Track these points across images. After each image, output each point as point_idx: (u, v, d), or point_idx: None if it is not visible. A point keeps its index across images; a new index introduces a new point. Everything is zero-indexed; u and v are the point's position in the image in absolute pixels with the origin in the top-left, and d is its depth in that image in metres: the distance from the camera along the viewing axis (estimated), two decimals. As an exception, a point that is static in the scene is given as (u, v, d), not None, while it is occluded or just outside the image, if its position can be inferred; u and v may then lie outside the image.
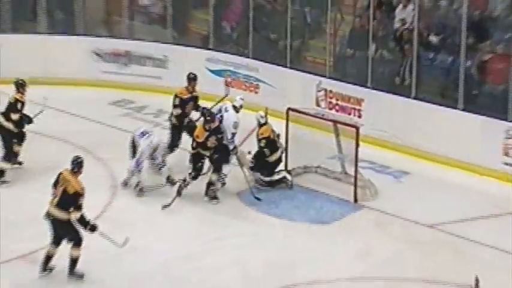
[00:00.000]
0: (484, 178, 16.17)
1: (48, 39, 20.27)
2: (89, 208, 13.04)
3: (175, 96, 16.12)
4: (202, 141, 14.64)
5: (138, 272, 13.09)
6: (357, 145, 15.20)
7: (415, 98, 16.87)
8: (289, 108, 15.96)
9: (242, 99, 15.67)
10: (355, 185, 15.25)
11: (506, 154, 15.89)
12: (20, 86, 15.72)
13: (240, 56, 19.35)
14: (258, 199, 15.24)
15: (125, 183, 15.47)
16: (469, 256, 13.72)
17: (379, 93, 17.22)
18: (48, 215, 12.23)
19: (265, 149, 15.50)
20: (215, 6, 19.62)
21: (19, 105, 15.60)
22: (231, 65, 19.21)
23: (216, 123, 14.77)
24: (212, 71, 19.29)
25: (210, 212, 14.91)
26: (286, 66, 18.68)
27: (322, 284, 13.07)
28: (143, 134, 15.49)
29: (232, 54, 19.43)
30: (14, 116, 15.49)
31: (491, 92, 16.53)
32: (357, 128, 15.20)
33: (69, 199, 12.21)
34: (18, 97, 15.65)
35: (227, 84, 17.08)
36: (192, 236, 14.44)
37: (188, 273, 13.30)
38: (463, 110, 16.30)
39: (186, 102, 15.98)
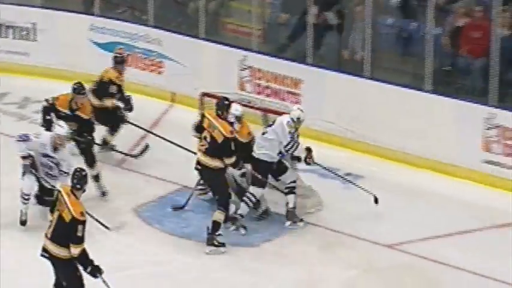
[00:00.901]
0: (460, 181, 16.91)
1: None
2: None
3: (110, 81, 16.63)
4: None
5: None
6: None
7: (369, 78, 17.52)
8: (203, 93, 16.52)
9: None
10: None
11: (487, 149, 16.55)
12: None
13: (137, 23, 19.54)
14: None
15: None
16: (440, 284, 14.44)
17: (322, 72, 17.83)
18: (44, 251, 12.32)
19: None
20: None
21: None
22: (125, 36, 19.62)
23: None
24: (99, 45, 19.64)
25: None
26: (199, 37, 19.17)
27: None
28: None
29: (126, 21, 19.65)
30: None
31: (467, 68, 17.10)
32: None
33: (65, 229, 12.13)
34: None
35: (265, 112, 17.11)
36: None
37: None
38: (432, 92, 16.81)
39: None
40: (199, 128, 15.59)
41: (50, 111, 16.60)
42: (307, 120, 16.44)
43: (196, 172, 15.43)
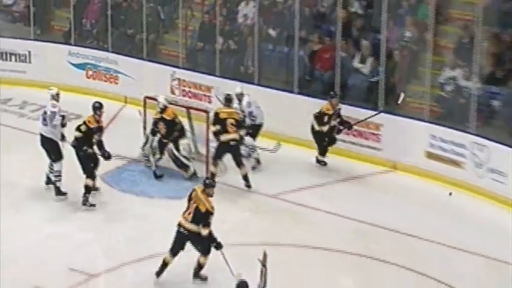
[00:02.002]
0: (313, 151, 16.78)
1: None
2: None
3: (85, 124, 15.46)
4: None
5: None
6: (207, 127, 15.88)
7: (257, 85, 17.63)
8: (146, 97, 16.65)
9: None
10: (207, 163, 16.04)
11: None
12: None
13: (100, 50, 19.75)
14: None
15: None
16: (306, 220, 14.59)
17: (226, 81, 17.71)
18: (180, 226, 12.55)
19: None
20: (75, 4, 20.09)
21: None
22: (92, 59, 19.80)
23: None
24: (74, 65, 19.76)
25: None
26: (143, 59, 19.28)
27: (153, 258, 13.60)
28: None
29: (93, 48, 19.88)
30: None
31: (320, 77, 17.48)
32: (207, 112, 16.13)
33: (201, 216, 12.45)
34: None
35: None
36: (59, 217, 14.89)
37: (56, 251, 13.67)
38: (298, 93, 17.37)
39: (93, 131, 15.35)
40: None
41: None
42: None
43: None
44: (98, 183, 15.46)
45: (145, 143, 16.31)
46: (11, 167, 16.21)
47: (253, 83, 17.74)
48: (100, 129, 15.15)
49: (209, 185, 12.67)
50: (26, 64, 20.10)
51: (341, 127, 16.22)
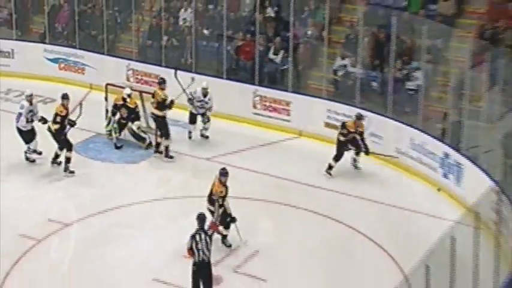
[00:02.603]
0: (240, 124, 17.07)
1: None
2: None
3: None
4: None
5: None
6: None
7: (195, 73, 17.53)
8: (107, 84, 16.88)
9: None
10: (156, 134, 15.94)
11: (255, 106, 17.26)
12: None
13: (70, 47, 19.54)
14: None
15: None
16: (235, 178, 13.74)
17: (169, 70, 17.09)
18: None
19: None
20: (49, 12, 19.90)
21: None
22: (63, 55, 19.59)
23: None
24: (49, 59, 19.62)
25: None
26: (104, 54, 19.14)
27: (135, 205, 13.87)
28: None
29: (64, 46, 19.65)
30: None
31: (244, 66, 17.80)
32: (154, 94, 15.92)
33: (213, 198, 12.26)
34: None
35: None
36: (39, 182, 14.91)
37: (38, 207, 13.88)
38: (226, 79, 17.58)
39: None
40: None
41: None
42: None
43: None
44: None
45: (108, 122, 16.31)
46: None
47: (191, 71, 17.74)
48: (67, 115, 15.17)
49: (222, 173, 12.39)
50: (9, 59, 19.74)
51: (351, 147, 15.03)
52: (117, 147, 16.19)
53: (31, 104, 15.16)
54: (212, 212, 12.27)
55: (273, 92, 17.14)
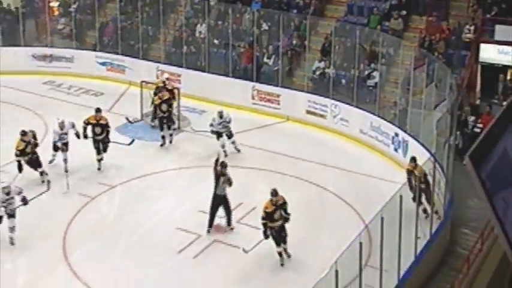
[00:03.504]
0: (242, 112, 16.57)
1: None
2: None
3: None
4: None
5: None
6: (179, 98, 15.94)
7: (208, 72, 17.46)
8: (142, 81, 16.76)
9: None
10: (178, 119, 15.90)
11: (253, 98, 16.94)
12: None
13: (114, 54, 19.14)
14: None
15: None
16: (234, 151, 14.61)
17: (188, 71, 17.60)
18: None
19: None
20: (99, 27, 19.62)
21: None
22: (109, 59, 19.13)
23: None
24: (99, 63, 19.19)
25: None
26: (139, 58, 18.73)
27: (162, 173, 13.88)
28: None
29: (110, 53, 19.23)
30: None
31: (245, 68, 17.34)
32: (178, 89, 16.13)
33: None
34: None
35: None
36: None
37: (86, 172, 13.60)
38: (232, 77, 17.24)
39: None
40: None
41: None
42: (185, 90, 16.42)
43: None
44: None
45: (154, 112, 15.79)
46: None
47: (204, 71, 17.71)
48: (99, 125, 14.07)
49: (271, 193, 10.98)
50: (70, 63, 19.41)
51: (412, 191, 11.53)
52: (152, 127, 15.86)
53: (61, 129, 13.64)
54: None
55: (266, 87, 17.08)
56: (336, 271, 8.29)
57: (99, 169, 14.05)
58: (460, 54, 16.09)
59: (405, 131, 14.26)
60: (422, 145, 13.37)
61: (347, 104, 15.78)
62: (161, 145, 15.20)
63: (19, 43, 19.82)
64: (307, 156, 14.74)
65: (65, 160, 13.82)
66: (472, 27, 16.03)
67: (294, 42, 17.50)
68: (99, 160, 14.18)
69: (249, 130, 15.97)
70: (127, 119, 15.85)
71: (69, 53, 19.70)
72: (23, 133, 13.41)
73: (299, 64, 17.49)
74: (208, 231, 11.79)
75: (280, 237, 11.06)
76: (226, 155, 14.31)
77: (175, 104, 15.92)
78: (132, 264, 11.05)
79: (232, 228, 11.94)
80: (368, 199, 12.78)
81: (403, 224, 9.84)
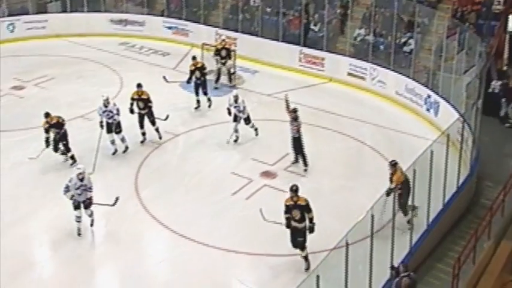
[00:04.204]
0: (290, 72, 16.43)
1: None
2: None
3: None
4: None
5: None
6: (235, 58, 15.74)
7: (260, 37, 17.19)
8: (203, 43, 16.61)
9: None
10: (234, 77, 15.77)
11: (300, 61, 16.61)
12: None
13: (179, 19, 18.74)
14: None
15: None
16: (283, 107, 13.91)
17: (243, 35, 17.35)
18: None
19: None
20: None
21: None
22: (175, 24, 18.84)
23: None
24: (166, 27, 18.98)
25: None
26: (201, 23, 18.46)
27: (219, 124, 13.53)
28: None
29: (176, 18, 18.87)
30: None
31: (293, 33, 16.93)
32: (234, 51, 15.84)
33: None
34: None
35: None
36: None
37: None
38: (282, 41, 16.91)
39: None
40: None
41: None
42: (241, 52, 16.18)
43: None
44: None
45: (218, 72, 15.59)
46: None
47: (257, 36, 17.45)
48: (141, 100, 12.73)
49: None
50: (142, 27, 19.28)
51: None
52: (216, 88, 15.47)
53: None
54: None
55: (312, 51, 16.64)
56: (372, 216, 8.14)
57: (142, 142, 12.86)
58: (489, 24, 15.37)
59: (437, 93, 13.78)
60: (452, 106, 12.92)
61: (385, 67, 15.32)
62: (195, 108, 14.37)
63: (100, 9, 19.71)
64: (346, 113, 14.41)
65: (122, 139, 12.55)
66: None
67: (338, 11, 16.91)
68: (144, 134, 12.94)
69: (295, 89, 15.57)
70: (164, 77, 14.82)
71: (141, 18, 19.54)
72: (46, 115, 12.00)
73: (342, 31, 16.93)
74: (294, 163, 11.87)
75: (294, 240, 9.28)
76: (235, 140, 12.90)
77: (229, 63, 15.59)
78: (192, 202, 11.08)
79: (305, 170, 11.83)
80: (401, 153, 12.35)
81: (433, 176, 9.55)
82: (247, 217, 10.60)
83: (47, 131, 11.98)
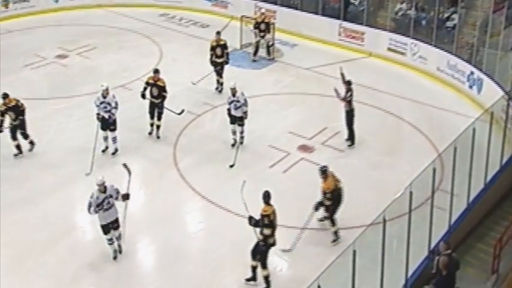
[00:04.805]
0: (329, 46, 16.17)
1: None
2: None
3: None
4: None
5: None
6: (274, 32, 15.48)
7: (300, 10, 16.82)
8: (242, 16, 16.32)
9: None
10: (273, 50, 15.48)
11: (339, 35, 16.25)
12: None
13: None
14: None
15: None
16: (323, 81, 14.11)
17: (283, 8, 16.89)
18: None
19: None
20: None
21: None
22: None
23: None
24: None
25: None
26: None
27: (258, 97, 13.38)
28: None
29: None
30: None
31: (333, 6, 16.50)
32: (273, 24, 15.59)
33: None
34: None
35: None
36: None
37: (196, 96, 13.21)
38: (321, 15, 16.54)
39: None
40: None
41: None
42: (280, 24, 15.86)
43: None
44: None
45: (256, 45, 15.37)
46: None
47: (297, 9, 17.02)
48: (156, 86, 11.61)
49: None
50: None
51: None
52: (253, 61, 15.36)
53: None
54: None
55: (352, 25, 16.19)
56: (410, 192, 7.85)
57: (150, 134, 11.80)
58: (539, -2, 14.62)
59: (480, 70, 13.21)
60: (497, 83, 12.38)
61: (426, 43, 14.76)
62: (217, 90, 13.45)
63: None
64: (386, 89, 14.01)
65: (114, 139, 11.24)
66: (552, -25, 14.48)
67: (381, -15, 16.41)
68: (152, 125, 11.78)
69: (334, 63, 15.08)
70: (192, 83, 13.66)
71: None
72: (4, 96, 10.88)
73: (382, 5, 16.33)
74: (347, 139, 11.58)
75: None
76: (233, 145, 11.60)
77: (268, 36, 15.33)
78: (229, 173, 10.95)
79: (349, 146, 11.58)
80: (441, 130, 12.05)
81: (475, 154, 9.17)
82: (283, 190, 10.40)
83: (2, 113, 10.84)
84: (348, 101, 11.49)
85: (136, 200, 10.12)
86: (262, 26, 15.35)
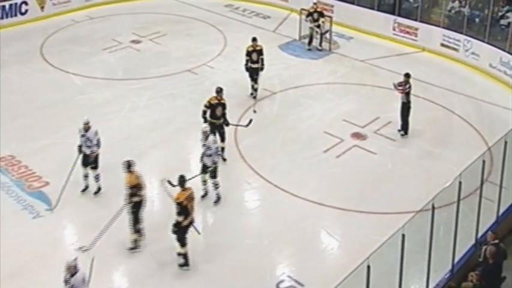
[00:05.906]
0: (384, 40, 15.83)
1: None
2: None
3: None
4: None
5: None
6: (331, 24, 15.29)
7: (356, 5, 16.39)
8: (301, 8, 15.97)
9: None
10: (330, 42, 15.28)
11: (394, 29, 15.84)
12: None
13: None
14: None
15: None
16: (376, 73, 13.96)
17: (343, 3, 16.59)
18: None
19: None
20: None
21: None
22: None
23: None
24: None
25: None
26: None
27: (314, 85, 13.24)
28: None
29: None
30: None
31: (388, 2, 16.11)
32: (330, 17, 15.47)
33: None
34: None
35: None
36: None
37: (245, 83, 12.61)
38: (377, 10, 16.15)
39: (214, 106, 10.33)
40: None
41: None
42: (337, 18, 15.70)
43: None
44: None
45: (310, 36, 15.23)
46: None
47: (353, 3, 16.55)
48: (221, 105, 10.37)
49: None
50: None
51: None
52: (308, 50, 15.24)
53: (86, 130, 9.09)
54: None
55: (406, 20, 15.71)
56: (460, 182, 7.61)
57: (224, 159, 10.47)
58: None
59: (534, 68, 12.78)
60: (549, 81, 11.94)
61: (479, 40, 14.23)
62: (252, 96, 12.63)
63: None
64: (437, 83, 13.58)
65: (96, 177, 9.56)
66: None
67: (435, -17, 15.89)
68: (223, 148, 10.43)
69: (388, 57, 14.97)
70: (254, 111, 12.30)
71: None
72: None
73: (437, 3, 15.80)
74: (400, 130, 11.35)
75: None
76: (224, 159, 10.46)
77: (326, 27, 15.12)
78: (286, 156, 10.96)
79: (402, 135, 11.34)
80: (492, 125, 11.69)
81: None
82: (336, 174, 10.40)
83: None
84: (407, 92, 11.25)
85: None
86: (315, 16, 15.13)
